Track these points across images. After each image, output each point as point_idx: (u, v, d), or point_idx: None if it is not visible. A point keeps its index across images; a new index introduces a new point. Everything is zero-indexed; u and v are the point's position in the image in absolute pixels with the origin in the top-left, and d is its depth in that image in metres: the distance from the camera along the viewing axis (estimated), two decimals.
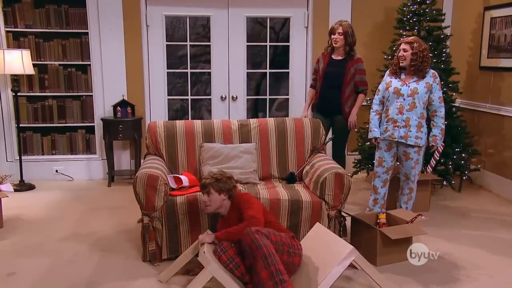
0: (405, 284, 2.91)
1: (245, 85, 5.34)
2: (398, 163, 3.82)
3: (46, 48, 5.00)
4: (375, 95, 3.80)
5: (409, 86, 3.55)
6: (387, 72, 3.77)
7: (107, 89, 5.06)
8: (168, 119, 5.28)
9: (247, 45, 5.27)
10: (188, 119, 5.37)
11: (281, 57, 5.45)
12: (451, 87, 4.61)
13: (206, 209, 2.90)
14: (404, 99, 3.55)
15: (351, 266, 2.64)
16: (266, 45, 5.34)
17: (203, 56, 5.51)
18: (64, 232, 3.71)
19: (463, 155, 4.59)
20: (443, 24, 4.77)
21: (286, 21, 5.40)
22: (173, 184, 3.28)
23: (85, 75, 5.09)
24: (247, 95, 5.39)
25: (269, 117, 5.33)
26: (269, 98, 5.49)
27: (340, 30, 4.05)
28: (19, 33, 4.93)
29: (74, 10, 4.95)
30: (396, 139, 3.60)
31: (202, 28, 5.47)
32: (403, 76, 3.61)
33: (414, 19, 4.64)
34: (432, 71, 3.59)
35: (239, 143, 3.69)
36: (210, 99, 5.37)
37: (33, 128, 5.12)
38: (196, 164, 3.63)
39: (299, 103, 5.24)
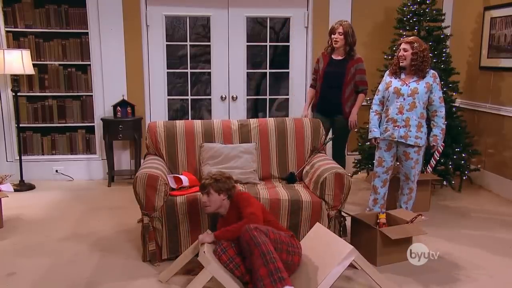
0: (405, 284, 2.91)
1: (245, 85, 5.34)
2: (398, 163, 3.82)
3: (46, 48, 5.00)
4: (375, 95, 3.80)
5: (409, 86, 3.55)
6: (387, 72, 3.77)
7: (107, 89, 5.06)
8: (168, 119, 5.28)
9: (247, 45, 5.27)
10: (188, 119, 5.37)
11: (281, 57, 5.45)
12: (451, 87, 4.61)
13: (206, 209, 2.91)
14: (404, 99, 3.55)
15: (351, 266, 2.64)
16: (266, 45, 5.34)
17: (203, 56, 5.51)
18: (64, 232, 3.71)
19: (463, 155, 4.59)
20: (443, 24, 4.77)
21: (286, 21, 5.40)
22: (173, 184, 3.28)
23: (85, 75, 5.09)
24: (247, 95, 5.39)
25: (269, 117, 5.33)
26: (269, 98, 5.49)
27: (340, 30, 4.05)
28: (19, 33, 4.93)
29: (74, 10, 4.95)
30: (396, 139, 3.60)
31: (202, 28, 5.47)
32: (403, 76, 3.61)
33: (414, 19, 4.64)
34: (432, 71, 3.59)
35: (239, 143, 3.69)
36: (210, 99, 5.37)
37: (33, 128, 5.13)
38: (196, 164, 3.63)
39: (299, 103, 5.24)
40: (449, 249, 3.41)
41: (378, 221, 3.35)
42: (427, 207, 4.21)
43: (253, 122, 3.80)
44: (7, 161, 5.10)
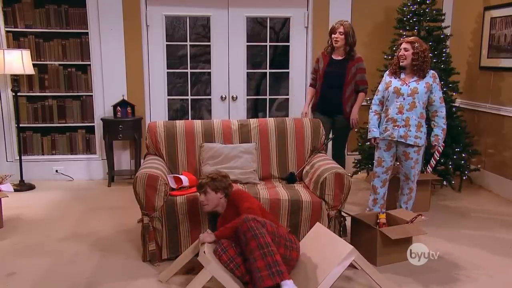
0: (405, 284, 2.91)
1: (245, 85, 5.34)
2: (397, 163, 3.82)
3: (46, 48, 5.00)
4: (375, 95, 3.80)
5: (409, 86, 3.55)
6: (387, 72, 3.77)
7: (107, 89, 5.06)
8: (168, 119, 5.28)
9: (247, 45, 5.27)
10: (188, 119, 5.37)
11: (281, 57, 5.45)
12: (451, 87, 4.61)
13: (204, 208, 2.94)
14: (404, 99, 3.55)
15: (351, 266, 2.64)
16: (266, 45, 5.34)
17: (203, 56, 5.51)
18: (64, 232, 3.71)
19: (463, 155, 4.59)
20: (443, 24, 4.77)
21: (286, 21, 5.40)
22: (173, 184, 3.28)
23: (85, 75, 5.09)
24: (247, 95, 5.39)
25: (269, 117, 5.33)
26: (269, 98, 5.49)
27: (341, 29, 4.05)
28: (19, 33, 4.93)
29: (74, 10, 4.95)
30: (395, 139, 3.60)
31: (202, 28, 5.47)
32: (402, 76, 3.61)
33: (414, 19, 4.64)
34: (432, 71, 3.59)
35: (239, 143, 3.69)
36: (210, 99, 5.37)
37: (33, 128, 5.13)
38: (196, 164, 3.63)
39: (299, 103, 5.23)
40: (449, 249, 3.41)
41: (378, 221, 3.35)
42: (427, 207, 4.21)
43: (253, 122, 3.80)
44: (7, 161, 5.10)
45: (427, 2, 4.64)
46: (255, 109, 5.74)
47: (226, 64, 5.27)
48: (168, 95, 5.29)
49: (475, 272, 3.07)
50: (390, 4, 5.09)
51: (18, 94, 4.81)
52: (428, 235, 3.34)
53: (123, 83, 5.06)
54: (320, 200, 3.22)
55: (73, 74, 5.08)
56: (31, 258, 3.25)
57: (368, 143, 4.31)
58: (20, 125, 4.97)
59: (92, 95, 5.10)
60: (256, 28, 5.47)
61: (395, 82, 3.61)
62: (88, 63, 5.04)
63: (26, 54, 4.59)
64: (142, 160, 3.94)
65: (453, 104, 4.66)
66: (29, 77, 4.99)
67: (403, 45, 3.56)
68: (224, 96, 5.31)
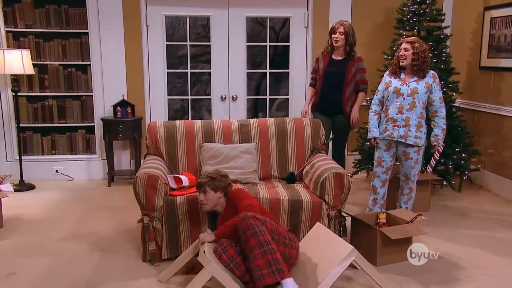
0: (405, 284, 2.91)
1: (245, 85, 5.34)
2: (397, 163, 3.82)
3: (46, 48, 5.00)
4: (374, 96, 3.80)
5: (409, 86, 3.55)
6: (386, 72, 3.77)
7: (107, 89, 5.06)
8: (168, 119, 5.28)
9: (247, 45, 5.27)
10: (188, 119, 5.37)
11: (281, 57, 5.45)
12: (451, 87, 4.61)
13: (203, 208, 2.95)
14: (404, 99, 3.55)
15: (351, 266, 2.64)
16: (266, 45, 5.34)
17: (203, 56, 5.51)
18: (64, 232, 3.71)
19: (463, 155, 4.59)
20: (443, 24, 4.77)
21: (286, 21, 5.40)
22: (173, 184, 3.28)
23: (85, 75, 5.09)
24: (247, 95, 5.39)
25: (269, 117, 5.33)
26: (269, 98, 5.49)
27: (341, 29, 4.05)
28: (19, 33, 4.93)
29: (74, 10, 4.95)
30: (395, 139, 3.60)
31: (202, 28, 5.47)
32: (402, 76, 3.61)
33: (414, 19, 4.64)
34: (432, 71, 3.59)
35: (239, 143, 3.69)
36: (210, 99, 5.37)
37: (33, 128, 5.13)
38: (196, 164, 3.63)
39: (299, 103, 5.23)
40: (449, 249, 3.41)
41: (378, 221, 3.35)
42: (427, 207, 4.21)
43: (253, 122, 3.80)
44: (7, 161, 5.10)
45: (427, 2, 4.64)
46: (255, 109, 5.74)
47: (226, 64, 5.27)
48: (168, 95, 5.29)
49: (475, 272, 3.07)
50: (390, 4, 5.09)
51: (18, 94, 4.81)
52: (428, 235, 3.34)
53: (123, 83, 5.06)
54: (320, 200, 3.22)
55: (73, 74, 5.08)
56: (31, 258, 3.25)
57: (368, 143, 4.31)
58: (20, 125, 4.97)
59: (92, 95, 5.10)
60: (256, 28, 5.47)
61: (395, 82, 3.61)
62: (88, 63, 5.04)
63: (26, 54, 4.59)
64: (142, 160, 3.94)
65: (453, 104, 4.66)
66: (29, 77, 4.99)
67: (403, 45, 3.56)
68: (224, 96, 5.31)
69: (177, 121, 3.76)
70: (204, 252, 2.59)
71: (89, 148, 5.24)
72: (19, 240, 3.56)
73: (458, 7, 5.33)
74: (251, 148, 3.66)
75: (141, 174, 3.07)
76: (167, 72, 5.23)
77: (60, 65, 5.05)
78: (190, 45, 5.27)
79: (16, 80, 4.70)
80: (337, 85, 4.16)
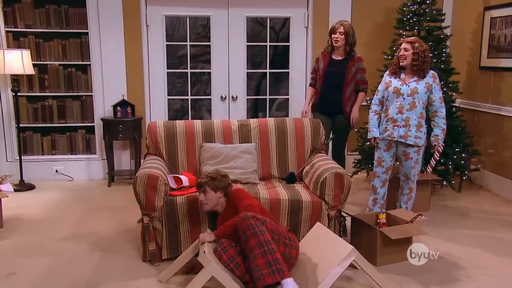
0: (405, 284, 2.91)
1: (245, 85, 5.34)
2: (397, 163, 3.82)
3: (46, 48, 5.00)
4: (374, 96, 3.80)
5: (409, 86, 3.55)
6: (386, 72, 3.77)
7: (107, 89, 5.06)
8: (168, 119, 5.28)
9: (247, 45, 5.27)
10: (188, 119, 5.37)
11: (281, 57, 5.45)
12: (451, 87, 4.61)
13: (203, 208, 2.95)
14: (404, 99, 3.55)
15: (351, 266, 2.64)
16: (266, 45, 5.34)
17: (203, 56, 5.51)
18: (64, 232, 3.71)
19: (463, 155, 4.59)
20: (443, 24, 4.77)
21: (286, 21, 5.40)
22: (173, 184, 3.28)
23: (85, 75, 5.09)
24: (247, 95, 5.39)
25: (269, 117, 5.33)
26: (269, 98, 5.49)
27: (341, 29, 4.05)
28: (19, 33, 4.93)
29: (74, 10, 4.95)
30: (395, 139, 3.60)
31: (202, 28, 5.47)
32: (402, 76, 3.61)
33: (414, 19, 4.64)
34: (432, 71, 3.59)
35: (239, 143, 3.69)
36: (210, 99, 5.37)
37: (33, 128, 5.13)
38: (196, 164, 3.63)
39: (299, 103, 5.23)
40: (449, 249, 3.41)
41: (378, 221, 3.35)
42: (427, 207, 4.21)
43: (253, 122, 3.80)
44: (7, 161, 5.10)
45: (427, 2, 4.64)
46: (255, 109, 5.74)
47: (226, 64, 5.27)
48: (168, 95, 5.29)
49: (475, 272, 3.07)
50: (390, 4, 5.09)
51: (18, 94, 4.81)
52: (428, 235, 3.34)
53: (123, 83, 5.06)
54: (320, 200, 3.22)
55: (73, 74, 5.08)
56: (31, 258, 3.25)
57: (368, 143, 4.31)
58: (20, 125, 4.97)
59: (92, 95, 5.10)
60: (256, 28, 5.47)
61: (395, 82, 3.61)
62: (88, 63, 5.04)
63: (26, 54, 4.59)
64: (142, 160, 3.94)
65: (453, 104, 4.66)
66: (29, 77, 4.99)
67: (403, 45, 3.56)
68: (224, 96, 5.31)
69: (177, 121, 3.76)
70: (204, 252, 2.59)
71: (89, 148, 5.24)
72: (19, 240, 3.56)
73: (458, 7, 5.33)
74: (251, 148, 3.66)
75: (141, 174, 3.07)
76: (167, 72, 5.23)
77: (60, 65, 5.05)
78: (190, 45, 5.27)
79: (16, 80, 4.70)
80: (337, 85, 4.15)
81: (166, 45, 5.17)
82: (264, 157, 3.71)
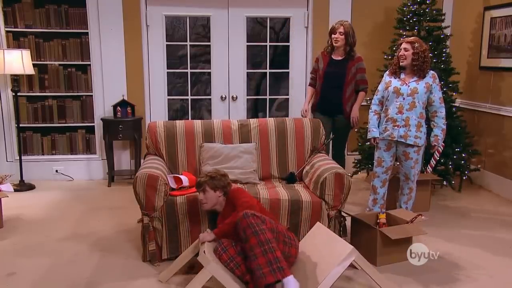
0: (405, 284, 2.91)
1: (245, 85, 5.34)
2: (397, 163, 3.82)
3: (46, 48, 5.00)
4: (374, 95, 3.81)
5: (409, 86, 3.55)
6: (386, 72, 3.77)
7: (107, 89, 5.06)
8: (168, 119, 5.28)
9: (247, 45, 5.27)
10: (188, 119, 5.37)
11: (281, 57, 5.45)
12: (451, 87, 4.61)
13: (203, 207, 2.96)
14: (403, 99, 3.55)
15: (351, 266, 2.64)
16: (266, 45, 5.34)
17: (203, 56, 5.51)
18: (64, 232, 3.71)
19: (463, 155, 4.59)
20: (443, 24, 4.77)
21: (286, 21, 5.40)
22: (173, 184, 3.28)
23: (85, 75, 5.09)
24: (247, 95, 5.39)
25: (269, 117, 5.33)
26: (269, 98, 5.49)
27: (341, 29, 4.05)
28: (19, 33, 4.93)
29: (74, 10, 4.95)
30: (395, 139, 3.60)
31: (202, 28, 5.47)
32: (402, 76, 3.62)
33: (414, 19, 4.64)
34: (431, 72, 3.59)
35: (239, 143, 3.69)
36: (210, 99, 5.37)
37: (33, 128, 5.13)
38: (196, 164, 3.63)
39: (299, 103, 5.23)
40: (449, 249, 3.41)
41: (378, 221, 3.35)
42: (427, 207, 4.21)
43: (253, 122, 3.80)
44: (7, 161, 5.10)
45: (427, 2, 4.64)
46: (255, 109, 5.74)
47: (226, 64, 5.27)
48: (168, 95, 5.29)
49: (475, 272, 3.07)
50: (390, 4, 5.09)
51: (18, 94, 4.81)
52: (428, 235, 3.34)
53: (123, 83, 5.06)
54: (320, 200, 3.22)
55: (73, 74, 5.08)
56: (31, 258, 3.25)
57: (368, 143, 4.31)
58: (20, 125, 4.97)
59: (92, 95, 5.10)
60: (256, 28, 5.47)
61: (395, 82, 3.61)
62: (88, 63, 5.04)
63: (26, 54, 4.59)
64: (142, 160, 3.94)
65: (453, 104, 4.66)
66: (29, 77, 4.99)
67: (403, 45, 3.56)
68: (224, 96, 5.31)
69: (177, 121, 3.76)
70: (204, 252, 2.60)
71: (89, 148, 5.24)
72: (19, 240, 3.56)
73: (458, 7, 5.33)
74: (251, 148, 3.66)
75: (141, 174, 3.07)
76: (167, 72, 5.23)
77: (60, 65, 5.05)
78: (190, 45, 5.27)
79: (16, 80, 4.70)
80: (338, 85, 4.15)
81: (166, 45, 5.17)
82: (264, 157, 3.71)
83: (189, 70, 5.29)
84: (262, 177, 3.67)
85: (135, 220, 3.57)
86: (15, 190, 4.61)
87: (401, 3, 4.81)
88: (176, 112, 5.66)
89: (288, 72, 5.39)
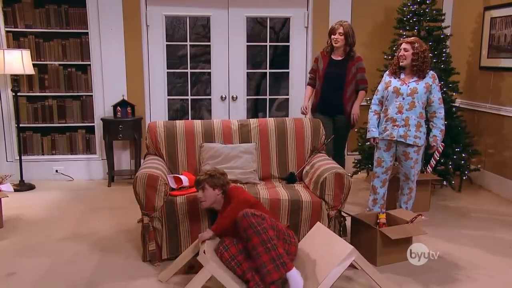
0: (405, 284, 2.91)
1: (245, 85, 5.34)
2: (397, 163, 3.82)
3: (46, 48, 5.00)
4: (374, 95, 3.81)
5: (408, 86, 3.55)
6: (386, 72, 3.78)
7: (107, 89, 5.06)
8: (168, 119, 5.28)
9: (247, 45, 5.27)
10: (188, 119, 5.37)
11: (281, 57, 5.45)
12: (451, 87, 4.61)
13: (201, 205, 2.97)
14: (403, 99, 3.55)
15: (351, 266, 2.64)
16: (266, 45, 5.34)
17: (203, 56, 5.51)
18: (64, 232, 3.71)
19: (463, 155, 4.59)
20: (443, 24, 4.77)
21: (286, 21, 5.40)
22: (173, 184, 3.28)
23: (85, 75, 5.09)
24: (247, 95, 5.39)
25: (269, 117, 5.33)
26: (269, 98, 5.49)
27: (341, 30, 4.05)
28: (19, 33, 4.93)
29: (74, 10, 4.95)
30: (395, 139, 3.60)
31: (202, 28, 5.47)
32: (402, 76, 3.62)
33: (414, 19, 4.64)
34: (431, 72, 3.59)
35: (239, 143, 3.69)
36: (210, 99, 5.37)
37: (33, 128, 5.12)
38: (196, 164, 3.63)
39: (299, 103, 5.19)
40: (449, 249, 3.41)
41: (378, 221, 3.35)
42: (427, 207, 4.21)
43: (253, 122, 3.80)
44: (7, 161, 5.10)
45: (427, 2, 4.64)
46: (255, 109, 5.74)
47: (226, 64, 5.27)
48: (168, 95, 5.29)
49: (475, 272, 3.07)
50: (390, 4, 5.09)
51: (18, 94, 4.81)
52: (428, 235, 3.34)
53: (123, 83, 5.06)
54: (320, 200, 3.22)
55: (73, 74, 5.08)
56: (31, 258, 3.25)
57: (368, 143, 4.30)
58: (20, 125, 4.97)
59: (92, 95, 5.10)
60: (256, 28, 5.47)
61: (395, 82, 3.62)
62: (88, 63, 5.04)
63: (26, 54, 4.59)
64: (142, 160, 3.94)
65: (453, 104, 4.66)
66: (29, 77, 4.99)
67: (403, 45, 3.56)
68: (224, 96, 5.31)
69: (177, 121, 3.76)
70: (204, 251, 2.60)
71: (89, 148, 5.24)
72: (19, 240, 3.56)
73: (458, 7, 5.33)
74: (251, 148, 3.66)
75: (141, 174, 3.07)
76: (167, 72, 5.23)
77: (60, 65, 5.05)
78: (190, 45, 5.27)
79: (16, 80, 4.70)
80: (338, 86, 4.15)
81: (166, 45, 5.17)
82: (264, 157, 3.71)
83: (189, 70, 5.29)
84: (262, 177, 3.67)
85: (135, 220, 3.57)
86: (15, 190, 4.62)
87: (401, 3, 4.81)
88: (176, 112, 5.66)
89: (288, 72, 5.39)
